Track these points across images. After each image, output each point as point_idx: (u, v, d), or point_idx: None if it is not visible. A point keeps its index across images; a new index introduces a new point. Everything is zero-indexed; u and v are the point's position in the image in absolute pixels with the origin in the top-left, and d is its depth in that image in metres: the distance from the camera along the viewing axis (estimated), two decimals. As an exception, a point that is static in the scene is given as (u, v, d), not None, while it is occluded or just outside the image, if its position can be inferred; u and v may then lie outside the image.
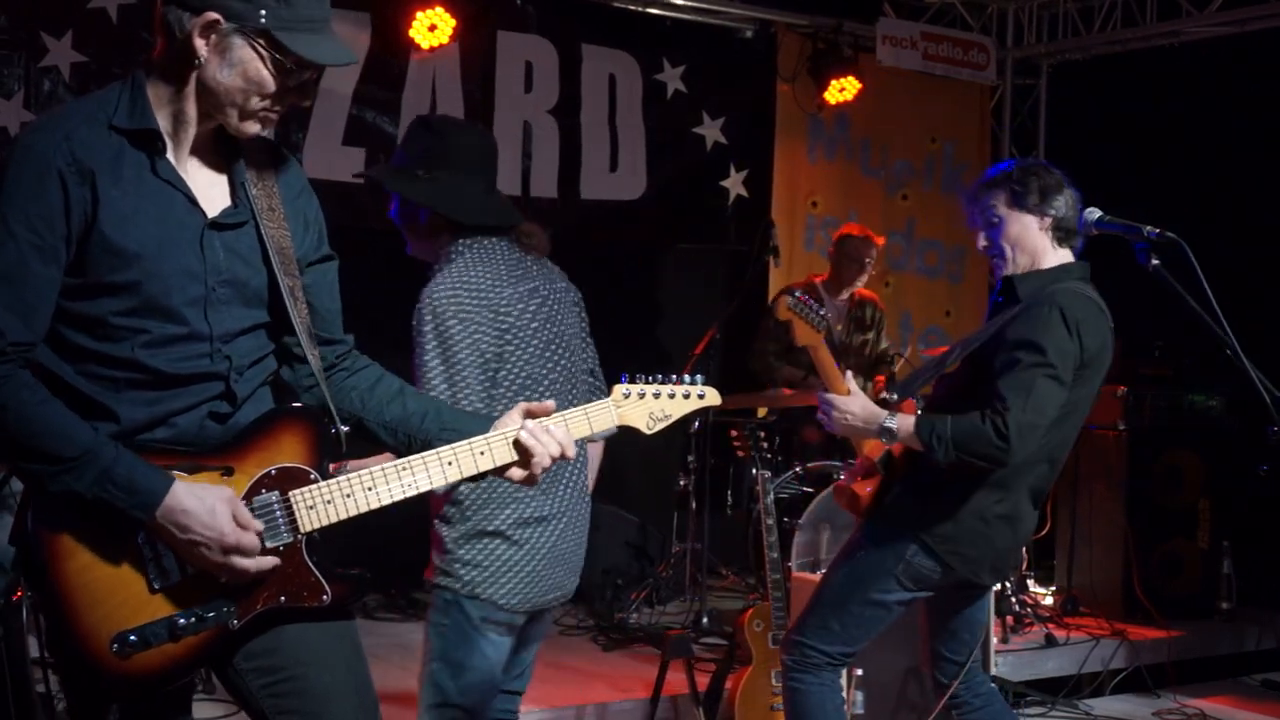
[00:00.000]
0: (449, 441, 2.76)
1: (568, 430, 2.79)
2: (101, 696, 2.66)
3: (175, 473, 2.59)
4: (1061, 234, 4.17)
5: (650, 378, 2.88)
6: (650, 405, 2.87)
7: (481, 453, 2.76)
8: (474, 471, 2.76)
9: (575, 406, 2.91)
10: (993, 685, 4.53)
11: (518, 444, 2.76)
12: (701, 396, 2.91)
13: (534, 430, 2.76)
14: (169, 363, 2.63)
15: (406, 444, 2.85)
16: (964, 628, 4.34)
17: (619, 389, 2.86)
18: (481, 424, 2.82)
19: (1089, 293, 4.14)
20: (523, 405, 2.81)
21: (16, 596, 4.96)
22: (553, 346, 3.68)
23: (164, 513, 2.54)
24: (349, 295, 3.00)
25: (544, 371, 3.65)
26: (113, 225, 2.56)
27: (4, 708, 4.35)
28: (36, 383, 2.55)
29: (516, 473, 2.79)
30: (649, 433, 2.88)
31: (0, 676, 4.36)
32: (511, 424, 2.79)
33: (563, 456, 2.79)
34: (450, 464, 2.74)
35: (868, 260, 7.53)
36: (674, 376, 2.90)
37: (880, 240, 7.67)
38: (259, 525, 2.62)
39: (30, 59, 6.50)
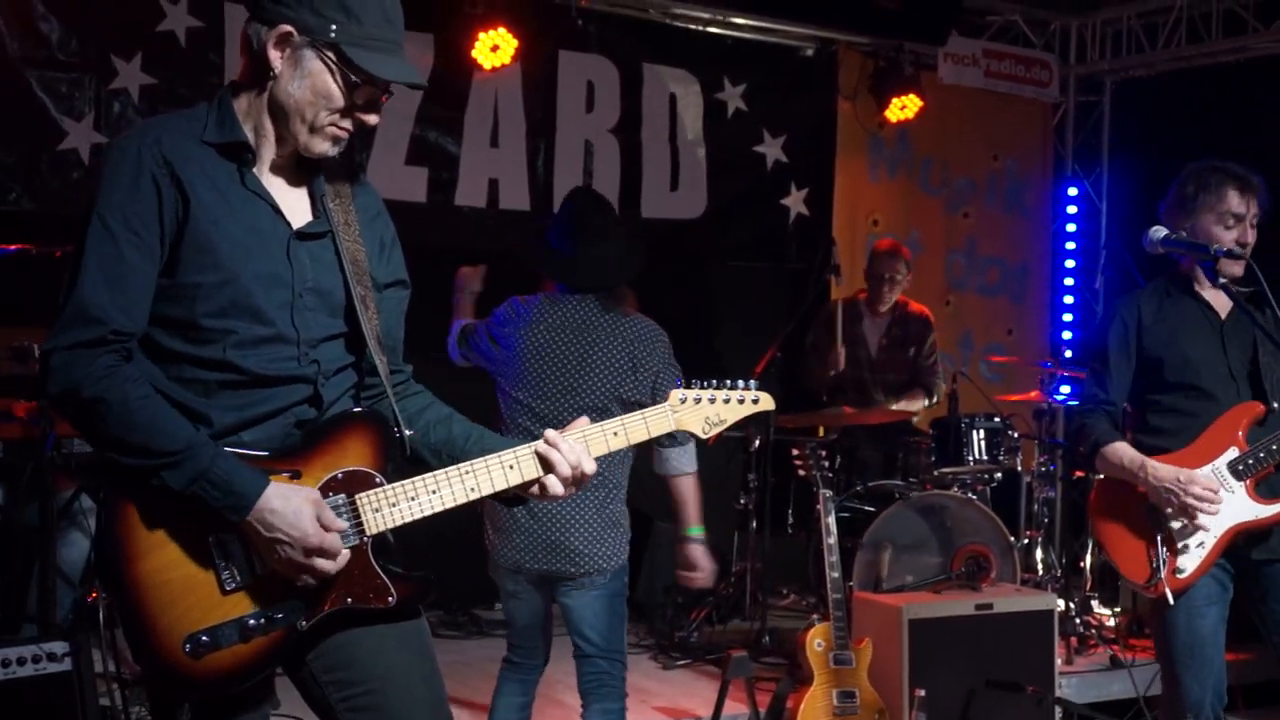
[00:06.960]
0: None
1: (586, 445, 2.82)
2: (174, 696, 2.73)
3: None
4: None
5: (706, 382, 2.92)
6: (706, 410, 2.91)
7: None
8: (534, 474, 2.80)
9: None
10: None
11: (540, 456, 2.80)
12: (756, 401, 2.95)
13: (553, 442, 2.80)
14: (260, 364, 2.71)
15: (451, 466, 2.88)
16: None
17: (675, 394, 2.90)
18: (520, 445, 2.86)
19: None
20: (580, 421, 2.86)
21: (92, 597, 5.06)
22: (547, 381, 4.40)
23: (253, 513, 2.60)
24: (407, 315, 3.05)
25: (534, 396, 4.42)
26: (204, 225, 2.65)
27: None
28: (141, 377, 2.63)
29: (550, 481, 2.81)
30: (704, 437, 2.92)
31: (69, 690, 4.42)
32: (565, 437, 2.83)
33: (581, 472, 2.80)
34: (512, 467, 2.79)
35: (897, 275, 7.53)
36: (729, 381, 2.93)
37: (907, 252, 7.65)
38: (343, 525, 2.67)
39: (100, 81, 6.61)
